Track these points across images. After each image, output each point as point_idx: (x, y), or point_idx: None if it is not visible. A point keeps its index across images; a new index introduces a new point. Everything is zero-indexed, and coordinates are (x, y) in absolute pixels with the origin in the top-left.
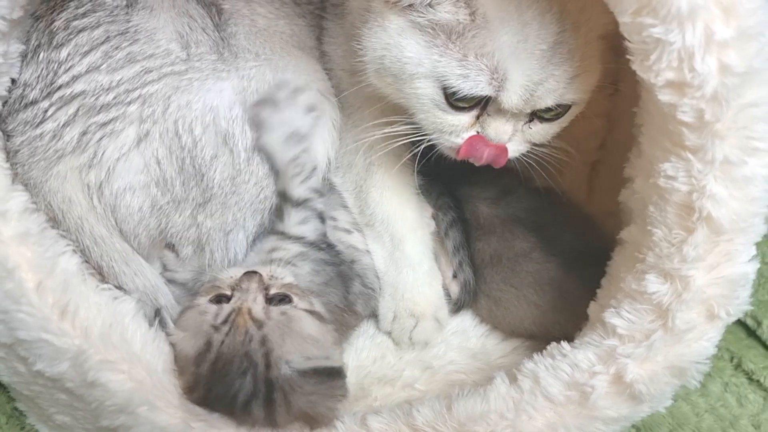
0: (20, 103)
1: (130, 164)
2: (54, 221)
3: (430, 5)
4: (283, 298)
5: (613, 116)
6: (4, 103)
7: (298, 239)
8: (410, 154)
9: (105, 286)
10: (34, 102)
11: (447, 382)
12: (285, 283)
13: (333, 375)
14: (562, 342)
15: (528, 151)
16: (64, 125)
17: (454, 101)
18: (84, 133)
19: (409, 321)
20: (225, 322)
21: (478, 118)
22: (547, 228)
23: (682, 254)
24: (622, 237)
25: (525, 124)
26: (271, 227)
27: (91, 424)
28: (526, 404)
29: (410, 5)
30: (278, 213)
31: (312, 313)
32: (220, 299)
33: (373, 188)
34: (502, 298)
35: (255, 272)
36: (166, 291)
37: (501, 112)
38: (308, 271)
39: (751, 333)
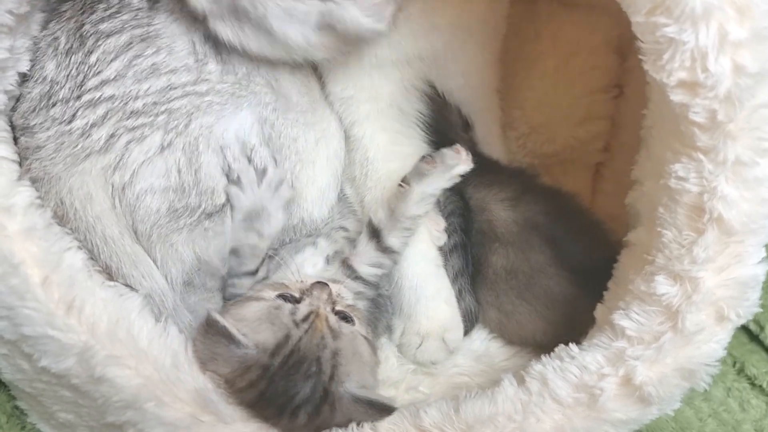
0: (48, 100)
1: (154, 168)
2: (61, 218)
3: None
4: (346, 318)
5: (617, 119)
6: (18, 99)
7: (362, 281)
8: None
9: (111, 283)
10: (63, 100)
11: (451, 384)
12: (349, 304)
13: (384, 411)
14: (570, 344)
15: None
16: (92, 125)
17: None
18: (112, 135)
19: (415, 339)
20: (304, 320)
21: None
22: (561, 239)
23: (692, 256)
24: (629, 239)
25: None
26: (340, 255)
27: (96, 421)
28: (534, 406)
29: None
30: (353, 243)
31: (368, 340)
32: (286, 299)
33: (371, 199)
34: (515, 311)
35: (326, 284)
36: (173, 295)
37: None
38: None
39: (754, 337)
